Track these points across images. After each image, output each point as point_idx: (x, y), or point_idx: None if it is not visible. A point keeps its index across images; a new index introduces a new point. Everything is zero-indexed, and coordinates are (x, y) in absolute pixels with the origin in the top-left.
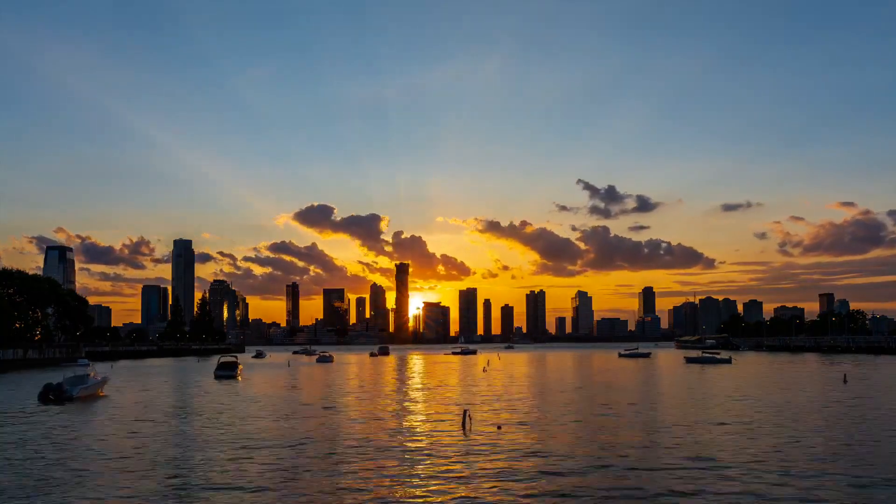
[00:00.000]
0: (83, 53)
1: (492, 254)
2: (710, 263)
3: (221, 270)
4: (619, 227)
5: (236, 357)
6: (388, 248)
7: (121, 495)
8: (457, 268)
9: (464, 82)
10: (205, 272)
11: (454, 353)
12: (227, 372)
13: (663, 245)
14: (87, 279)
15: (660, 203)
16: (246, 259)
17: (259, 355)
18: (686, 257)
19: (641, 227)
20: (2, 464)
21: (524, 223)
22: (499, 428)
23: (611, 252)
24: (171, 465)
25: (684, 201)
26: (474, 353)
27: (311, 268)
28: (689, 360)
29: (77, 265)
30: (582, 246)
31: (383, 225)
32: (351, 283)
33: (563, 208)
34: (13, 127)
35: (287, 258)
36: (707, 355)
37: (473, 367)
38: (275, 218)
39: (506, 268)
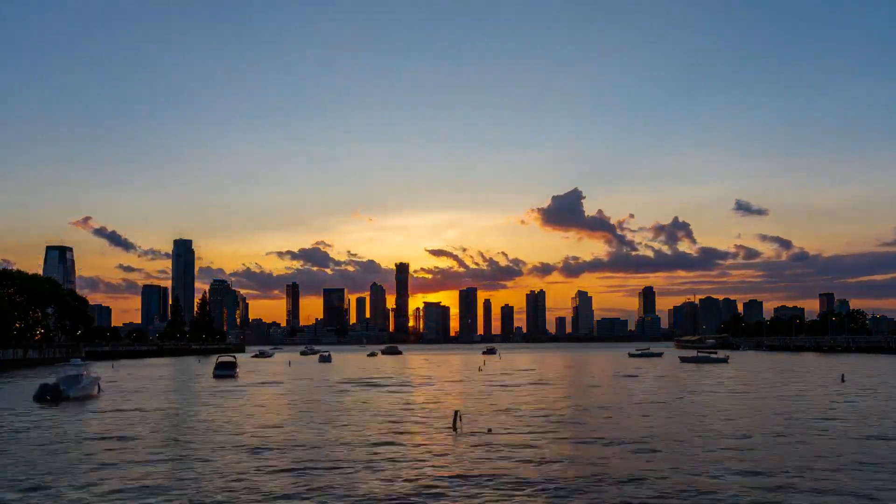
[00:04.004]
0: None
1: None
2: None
3: (245, 266)
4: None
5: (234, 357)
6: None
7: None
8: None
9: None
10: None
11: (484, 353)
12: (226, 371)
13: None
14: (97, 271)
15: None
16: (268, 255)
17: (262, 354)
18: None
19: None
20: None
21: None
22: (489, 431)
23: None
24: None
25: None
26: (494, 352)
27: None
28: (684, 360)
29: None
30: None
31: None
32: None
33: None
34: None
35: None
36: (703, 354)
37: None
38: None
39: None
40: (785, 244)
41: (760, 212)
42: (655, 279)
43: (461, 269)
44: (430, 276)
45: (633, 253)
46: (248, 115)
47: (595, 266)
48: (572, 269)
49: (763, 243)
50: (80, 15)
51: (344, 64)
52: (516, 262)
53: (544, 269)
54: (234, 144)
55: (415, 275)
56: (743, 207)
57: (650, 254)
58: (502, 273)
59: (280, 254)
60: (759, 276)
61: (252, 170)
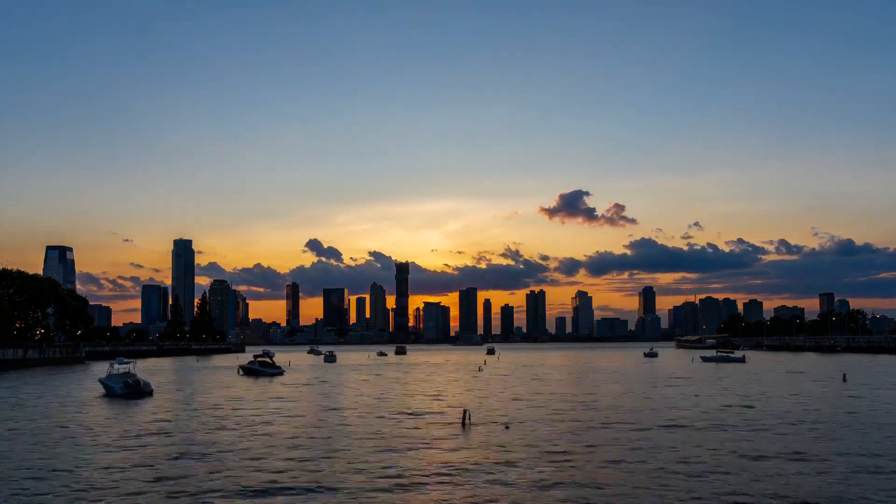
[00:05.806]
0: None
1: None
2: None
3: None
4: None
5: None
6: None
7: None
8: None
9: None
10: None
11: (487, 353)
12: (271, 369)
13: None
14: (97, 270)
15: None
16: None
17: (265, 354)
18: None
19: None
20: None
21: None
22: (507, 427)
23: None
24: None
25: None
26: (494, 352)
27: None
28: (706, 360)
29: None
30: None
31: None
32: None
33: None
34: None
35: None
36: (722, 354)
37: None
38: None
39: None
40: (801, 239)
41: (772, 206)
42: (666, 276)
43: (483, 266)
44: (450, 270)
45: (649, 249)
46: (248, 112)
47: (614, 265)
48: (595, 266)
49: (777, 239)
50: (81, 15)
51: (346, 61)
52: (544, 256)
53: (572, 266)
54: (235, 141)
55: (436, 270)
56: (751, 202)
57: (661, 249)
58: (517, 270)
59: (282, 252)
60: (767, 273)
61: (252, 167)
